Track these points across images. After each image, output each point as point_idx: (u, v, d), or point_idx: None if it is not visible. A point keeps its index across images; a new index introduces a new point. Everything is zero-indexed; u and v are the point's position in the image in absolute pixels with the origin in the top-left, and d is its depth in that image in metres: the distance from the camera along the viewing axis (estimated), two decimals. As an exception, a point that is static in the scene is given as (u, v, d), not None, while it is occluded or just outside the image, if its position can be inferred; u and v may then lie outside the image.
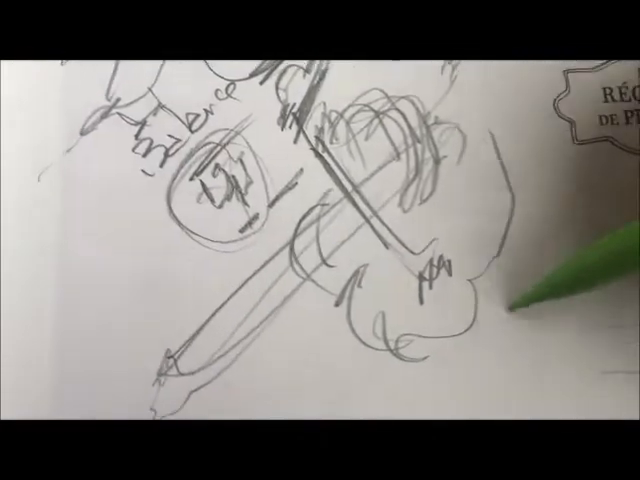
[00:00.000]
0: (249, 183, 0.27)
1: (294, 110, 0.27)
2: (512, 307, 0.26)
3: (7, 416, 0.25)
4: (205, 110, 0.27)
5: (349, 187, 0.27)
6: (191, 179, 0.27)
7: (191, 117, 0.27)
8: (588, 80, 0.27)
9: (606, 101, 0.27)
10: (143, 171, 0.27)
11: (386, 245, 0.26)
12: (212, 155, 0.27)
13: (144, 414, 0.25)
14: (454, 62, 0.27)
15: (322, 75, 0.27)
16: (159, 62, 0.27)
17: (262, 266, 0.26)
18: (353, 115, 0.27)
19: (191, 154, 0.27)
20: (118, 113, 0.27)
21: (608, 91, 0.27)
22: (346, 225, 0.26)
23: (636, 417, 0.25)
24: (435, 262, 0.26)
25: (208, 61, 0.27)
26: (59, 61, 0.27)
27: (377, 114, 0.27)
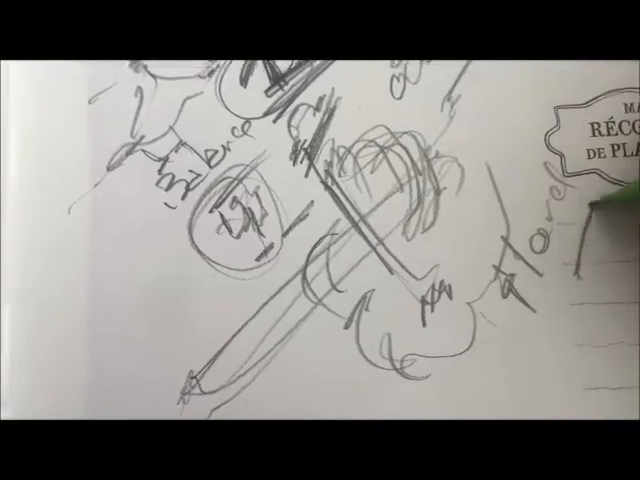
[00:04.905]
0: (264, 215, 0.28)
1: (305, 146, 0.28)
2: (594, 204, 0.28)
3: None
4: (223, 147, 0.28)
5: (356, 217, 0.28)
6: (211, 211, 0.28)
7: (210, 153, 0.28)
8: (577, 116, 0.29)
9: (594, 135, 0.29)
10: (166, 204, 0.28)
11: (391, 271, 0.28)
12: (230, 189, 0.28)
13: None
14: (452, 99, 0.29)
15: (331, 113, 0.29)
16: (179, 101, 0.29)
17: (277, 292, 0.28)
18: (360, 150, 0.29)
19: (210, 188, 0.28)
20: (142, 150, 0.28)
21: (596, 126, 0.29)
22: (354, 253, 0.28)
23: (636, 417, 0.26)
24: (437, 287, 0.28)
25: (225, 100, 0.29)
26: (86, 99, 0.29)
27: (382, 149, 0.29)
